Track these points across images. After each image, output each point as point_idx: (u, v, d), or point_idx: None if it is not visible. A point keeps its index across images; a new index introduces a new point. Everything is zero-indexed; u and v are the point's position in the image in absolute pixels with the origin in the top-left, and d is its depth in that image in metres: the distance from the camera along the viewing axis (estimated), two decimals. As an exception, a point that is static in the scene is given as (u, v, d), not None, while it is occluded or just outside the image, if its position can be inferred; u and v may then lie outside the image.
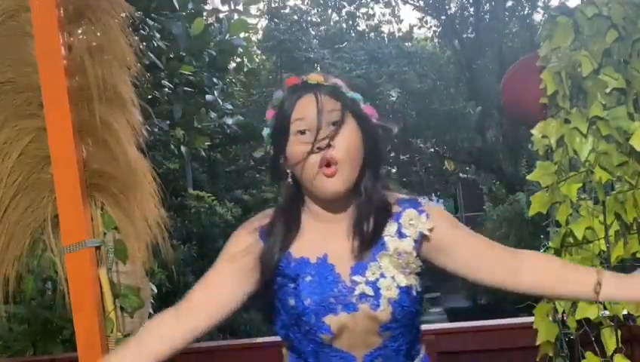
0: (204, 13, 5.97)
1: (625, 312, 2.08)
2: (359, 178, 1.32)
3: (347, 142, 1.28)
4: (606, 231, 2.09)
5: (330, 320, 1.30)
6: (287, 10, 18.93)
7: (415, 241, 1.34)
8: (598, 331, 2.10)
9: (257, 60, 15.79)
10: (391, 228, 1.34)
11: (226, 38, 6.12)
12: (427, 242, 1.36)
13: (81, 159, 2.01)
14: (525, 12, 17.98)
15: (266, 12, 18.05)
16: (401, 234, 1.34)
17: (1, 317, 2.55)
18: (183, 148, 6.64)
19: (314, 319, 1.30)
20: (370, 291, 1.30)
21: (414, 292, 1.32)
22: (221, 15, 6.26)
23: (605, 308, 2.08)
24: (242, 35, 6.73)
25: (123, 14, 2.13)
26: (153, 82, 5.48)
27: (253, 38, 15.12)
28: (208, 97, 6.19)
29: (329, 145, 1.27)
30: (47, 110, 1.98)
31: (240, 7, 6.37)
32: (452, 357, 2.66)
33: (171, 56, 5.63)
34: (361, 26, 20.42)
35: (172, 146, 6.83)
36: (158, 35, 5.39)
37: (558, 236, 2.14)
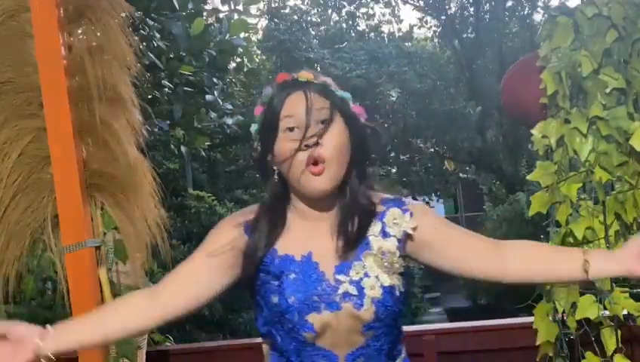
0: (204, 13, 5.96)
1: (625, 312, 2.08)
2: (346, 177, 1.32)
3: (335, 141, 1.29)
4: (606, 231, 2.09)
5: (314, 319, 1.30)
6: (287, 10, 18.90)
7: (399, 241, 1.35)
8: (598, 331, 2.10)
9: (257, 60, 15.76)
10: (375, 227, 1.35)
11: (226, 38, 6.11)
12: (411, 241, 1.36)
13: (81, 159, 2.01)
14: (525, 12, 17.96)
15: (266, 12, 18.03)
16: (385, 234, 1.35)
17: (1, 317, 2.55)
18: (183, 148, 6.62)
19: (297, 317, 1.30)
20: (354, 290, 1.30)
21: (397, 293, 1.32)
22: (221, 15, 6.25)
23: (605, 308, 2.08)
24: (242, 35, 6.72)
25: (123, 14, 2.14)
26: (153, 82, 5.47)
27: (253, 38, 15.10)
28: (208, 97, 6.18)
29: (317, 143, 1.27)
30: (47, 110, 1.98)
31: (240, 7, 6.35)
32: (452, 357, 2.66)
33: (171, 56, 5.63)
34: (361, 26, 20.38)
35: (172, 146, 6.82)
36: (158, 35, 5.38)
37: (558, 236, 2.14)
